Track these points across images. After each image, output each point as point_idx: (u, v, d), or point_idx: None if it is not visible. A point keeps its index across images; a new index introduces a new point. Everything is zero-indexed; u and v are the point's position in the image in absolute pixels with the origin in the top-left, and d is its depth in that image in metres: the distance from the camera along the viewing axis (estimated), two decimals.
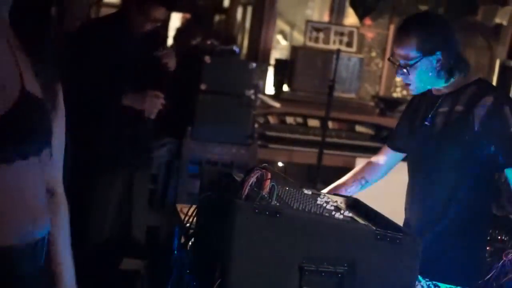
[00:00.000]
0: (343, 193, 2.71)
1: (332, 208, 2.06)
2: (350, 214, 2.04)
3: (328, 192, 2.71)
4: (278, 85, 6.26)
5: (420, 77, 2.48)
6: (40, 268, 1.77)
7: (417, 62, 2.44)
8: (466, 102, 2.47)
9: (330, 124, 5.76)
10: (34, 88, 1.68)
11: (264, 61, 6.36)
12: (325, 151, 5.36)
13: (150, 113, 3.63)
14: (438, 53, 2.44)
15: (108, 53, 3.54)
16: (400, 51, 2.49)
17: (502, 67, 5.43)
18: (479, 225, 2.59)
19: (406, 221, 2.67)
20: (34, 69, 1.70)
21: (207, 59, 4.91)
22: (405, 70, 2.48)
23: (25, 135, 1.64)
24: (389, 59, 2.61)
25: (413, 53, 2.45)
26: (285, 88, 6.17)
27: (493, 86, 2.61)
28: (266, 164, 1.94)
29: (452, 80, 2.51)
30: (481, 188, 2.54)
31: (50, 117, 1.71)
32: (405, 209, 2.70)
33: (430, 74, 2.47)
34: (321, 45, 6.27)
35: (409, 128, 2.69)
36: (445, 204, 2.53)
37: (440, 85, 2.54)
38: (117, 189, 3.71)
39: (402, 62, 2.48)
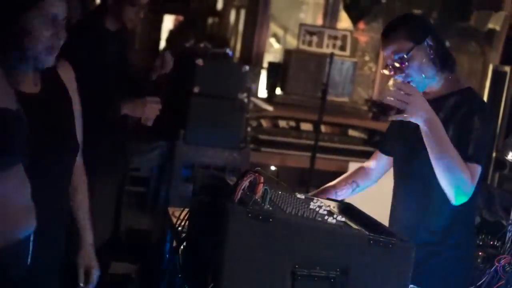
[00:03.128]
0: (333, 196, 2.70)
1: (325, 212, 2.05)
2: (343, 219, 2.03)
3: (317, 194, 2.70)
4: (271, 88, 6.25)
5: (418, 68, 2.48)
6: (26, 269, 1.78)
7: (412, 50, 2.45)
8: (448, 110, 2.47)
9: (323, 128, 5.76)
10: (12, 104, 1.68)
11: (257, 64, 6.36)
12: (318, 155, 5.35)
13: (147, 120, 3.58)
14: (428, 39, 2.47)
15: (89, 59, 3.43)
16: (392, 47, 2.49)
17: (495, 72, 5.44)
18: (462, 231, 2.56)
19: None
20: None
21: (200, 62, 4.90)
22: (402, 65, 2.48)
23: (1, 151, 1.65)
24: (383, 70, 2.59)
25: (405, 44, 2.46)
26: (278, 91, 6.16)
27: (476, 97, 2.54)
28: (259, 168, 1.93)
29: (443, 74, 2.51)
30: None
31: (25, 127, 1.71)
32: (389, 215, 2.68)
33: (427, 63, 2.47)
34: (314, 49, 6.27)
35: (398, 132, 2.69)
36: (425, 210, 2.50)
37: (435, 80, 2.52)
38: (110, 193, 3.68)
39: (397, 57, 2.48)
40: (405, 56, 2.47)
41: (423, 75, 2.50)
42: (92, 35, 3.46)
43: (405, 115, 2.23)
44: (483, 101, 2.56)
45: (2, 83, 1.70)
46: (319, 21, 7.31)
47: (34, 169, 1.77)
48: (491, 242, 3.33)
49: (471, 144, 2.36)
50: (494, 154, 5.15)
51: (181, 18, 8.82)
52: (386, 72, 2.55)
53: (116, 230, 3.81)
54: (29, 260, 1.78)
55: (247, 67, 5.16)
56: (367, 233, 1.90)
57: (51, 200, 2.06)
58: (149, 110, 3.54)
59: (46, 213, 1.87)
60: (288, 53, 6.34)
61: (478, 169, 2.35)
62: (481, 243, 3.33)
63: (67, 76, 2.17)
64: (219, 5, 9.12)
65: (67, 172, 2.21)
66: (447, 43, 5.59)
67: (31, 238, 1.78)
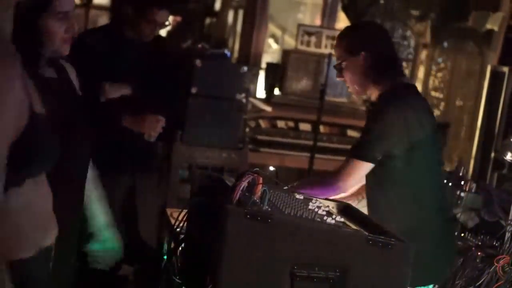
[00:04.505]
0: None
1: (324, 213, 2.05)
2: (342, 219, 2.02)
3: None
4: (269, 89, 6.24)
5: (350, 78, 2.64)
6: (48, 272, 1.84)
7: (342, 62, 2.62)
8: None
9: (322, 128, 5.75)
10: (40, 108, 1.73)
11: (255, 65, 6.35)
12: (317, 156, 5.35)
13: (149, 137, 3.58)
14: (361, 53, 2.58)
15: (106, 65, 3.47)
16: (335, 53, 2.68)
17: (493, 73, 5.43)
18: (428, 228, 2.57)
19: None
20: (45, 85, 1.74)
21: (198, 62, 4.88)
22: (337, 72, 2.65)
23: (35, 157, 1.68)
24: None
25: (341, 54, 2.64)
26: (277, 92, 6.16)
27: (397, 91, 2.61)
28: (258, 169, 1.93)
29: (382, 84, 2.61)
30: (405, 196, 2.56)
31: (56, 133, 1.73)
32: None
33: (358, 74, 2.62)
34: (312, 49, 6.26)
35: None
36: (385, 210, 2.55)
37: (370, 87, 2.64)
38: (119, 197, 3.65)
39: (336, 63, 2.66)
40: (338, 64, 2.64)
41: (355, 85, 2.65)
42: (110, 42, 3.50)
43: None
44: (402, 97, 2.60)
45: (29, 85, 1.71)
46: (317, 22, 7.32)
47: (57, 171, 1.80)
48: (490, 243, 3.33)
49: (356, 143, 2.64)
50: (492, 154, 5.15)
51: (178, 19, 8.81)
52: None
53: (137, 235, 3.79)
54: (51, 263, 1.84)
55: (245, 68, 5.15)
56: (366, 233, 1.90)
57: (71, 202, 2.09)
58: (149, 126, 3.55)
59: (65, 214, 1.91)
60: (286, 53, 6.33)
61: (356, 164, 2.54)
62: (480, 243, 3.32)
63: (72, 74, 2.24)
64: (217, 6, 9.12)
65: (85, 171, 2.22)
66: (446, 44, 5.56)
67: (53, 244, 1.83)
